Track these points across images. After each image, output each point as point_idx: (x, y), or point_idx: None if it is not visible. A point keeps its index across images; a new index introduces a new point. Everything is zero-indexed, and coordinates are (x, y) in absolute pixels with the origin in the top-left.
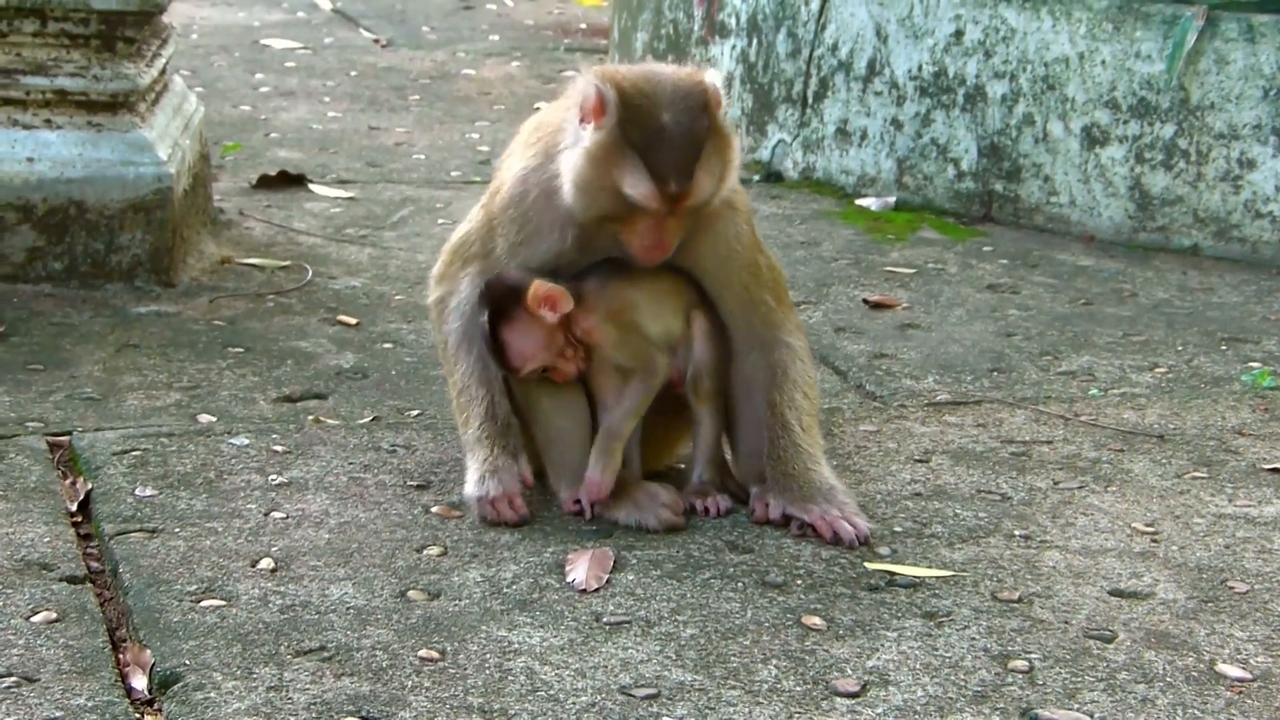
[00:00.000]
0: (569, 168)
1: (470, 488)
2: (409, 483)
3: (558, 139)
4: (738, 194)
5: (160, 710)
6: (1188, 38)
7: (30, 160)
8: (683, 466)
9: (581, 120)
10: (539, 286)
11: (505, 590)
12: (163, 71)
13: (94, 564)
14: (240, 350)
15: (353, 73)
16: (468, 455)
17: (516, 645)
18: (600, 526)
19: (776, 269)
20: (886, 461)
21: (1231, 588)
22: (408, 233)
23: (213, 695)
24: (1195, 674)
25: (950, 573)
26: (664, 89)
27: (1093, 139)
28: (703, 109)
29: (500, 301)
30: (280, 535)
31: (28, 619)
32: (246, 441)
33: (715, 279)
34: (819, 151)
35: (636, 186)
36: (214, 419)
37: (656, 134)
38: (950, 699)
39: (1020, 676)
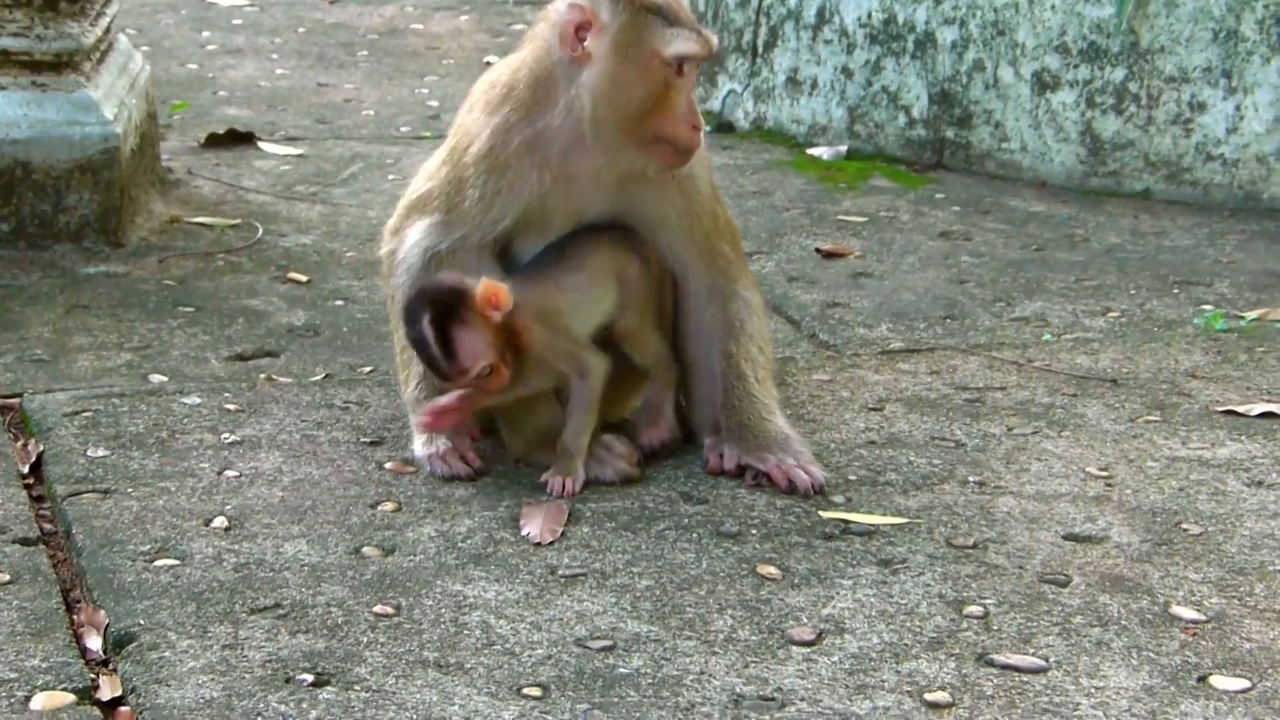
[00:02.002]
0: (595, 83)
1: (419, 447)
2: (362, 439)
3: (538, 93)
4: None
5: (115, 670)
6: None
7: None
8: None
9: (575, 44)
10: (487, 285)
11: (460, 545)
12: (107, 30)
13: (47, 525)
14: (191, 309)
15: (300, 29)
16: (411, 415)
17: (472, 599)
18: None
19: (733, 223)
20: (840, 410)
21: (1185, 530)
22: (358, 189)
23: (168, 654)
24: (1150, 616)
25: (905, 520)
26: None
27: (1043, 84)
28: None
29: (444, 304)
30: (233, 494)
31: None
32: (198, 401)
33: (677, 229)
34: (770, 101)
35: (680, 42)
36: (165, 379)
37: (665, 2)
38: (906, 646)
39: (975, 622)
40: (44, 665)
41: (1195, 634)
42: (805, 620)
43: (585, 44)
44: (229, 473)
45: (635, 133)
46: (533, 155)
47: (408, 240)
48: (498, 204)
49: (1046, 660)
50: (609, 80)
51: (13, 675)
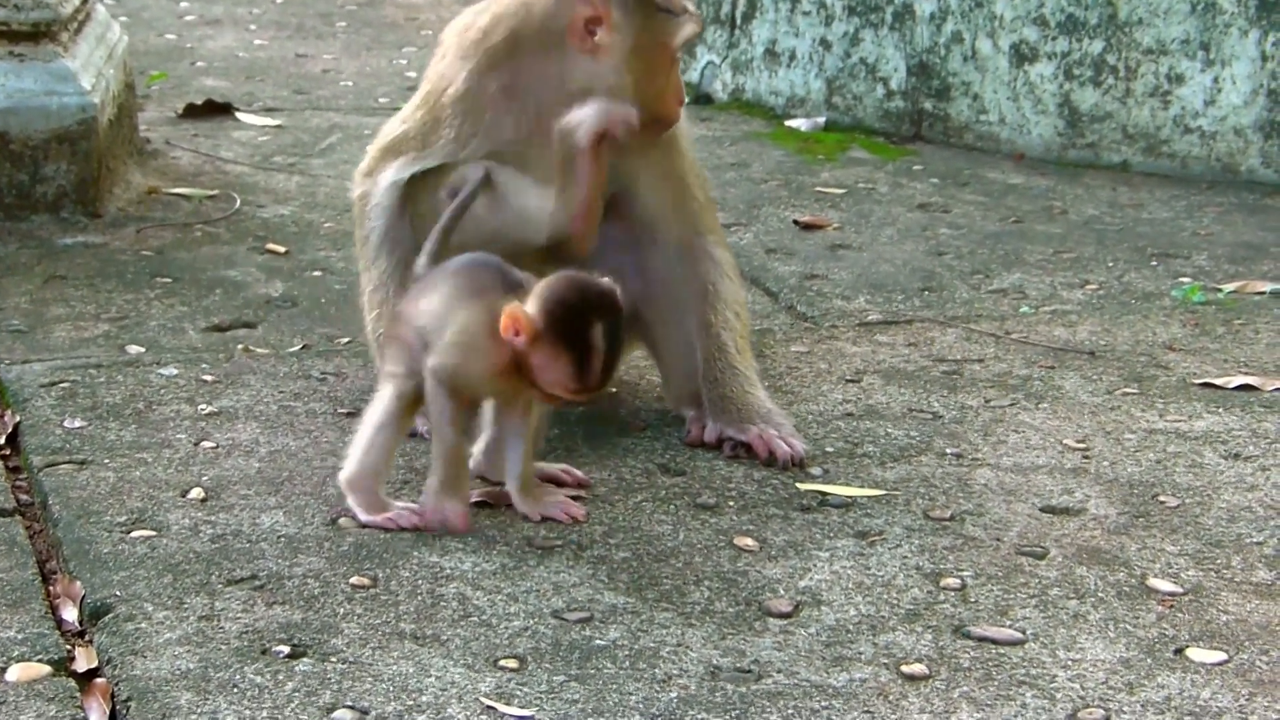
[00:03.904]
0: (604, 76)
1: None
2: (339, 410)
3: (515, 49)
4: None
5: (91, 641)
6: None
7: None
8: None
9: (584, 37)
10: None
11: None
12: (85, 0)
13: (23, 496)
14: (168, 280)
15: (279, 0)
16: (377, 356)
17: (448, 571)
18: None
19: (704, 173)
20: (818, 382)
21: (1162, 502)
22: (336, 160)
23: (144, 626)
24: (1127, 589)
25: (882, 492)
26: None
27: (1021, 56)
28: None
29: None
30: (210, 465)
31: None
32: (175, 371)
33: (654, 171)
34: (748, 73)
35: (685, 29)
36: (143, 349)
37: None
38: (883, 618)
39: (952, 594)
40: (19, 636)
41: (1172, 606)
42: (782, 592)
43: (595, 38)
44: (206, 444)
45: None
46: (510, 102)
47: (381, 183)
48: (473, 143)
49: (1023, 632)
50: (619, 74)
51: None
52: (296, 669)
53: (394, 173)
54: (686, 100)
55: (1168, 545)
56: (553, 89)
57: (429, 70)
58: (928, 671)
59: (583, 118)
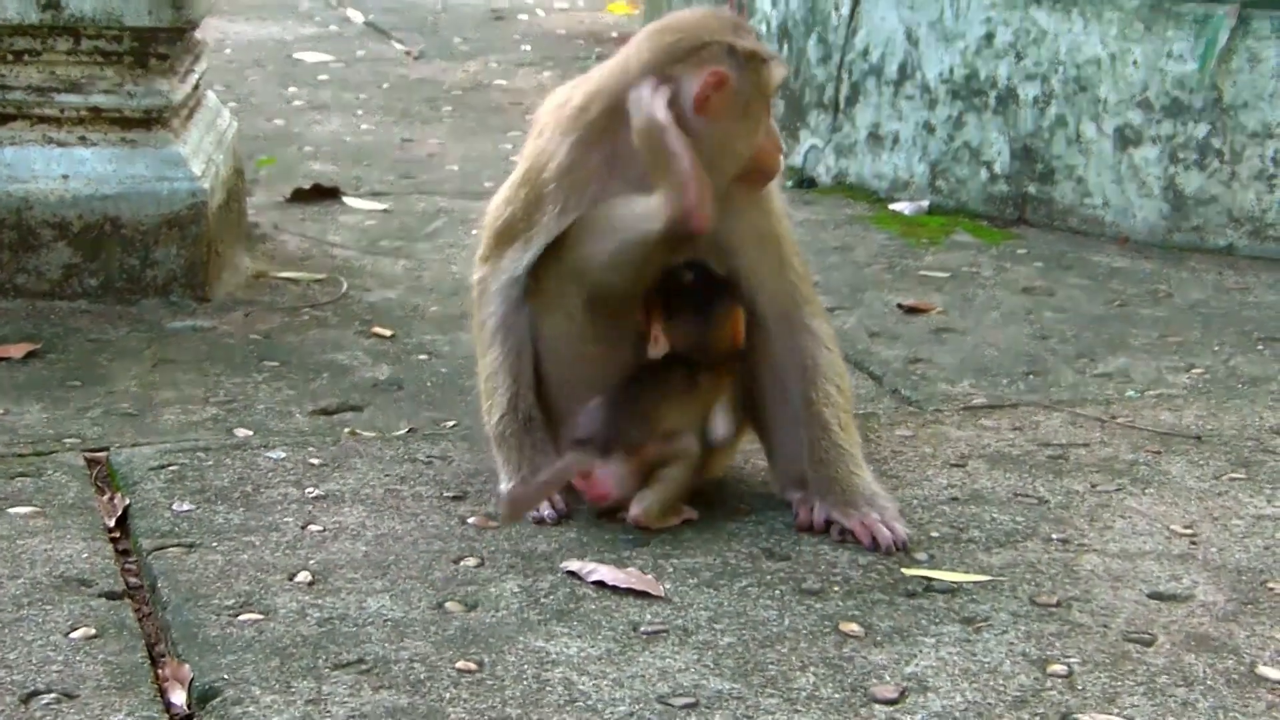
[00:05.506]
0: (717, 136)
1: (504, 485)
2: (445, 494)
3: (614, 119)
4: None
5: None
6: (1220, 36)
7: (65, 177)
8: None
9: (704, 104)
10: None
11: (542, 601)
12: (196, 87)
13: (132, 579)
14: (276, 364)
15: (385, 85)
16: (495, 449)
17: (554, 655)
18: (636, 535)
19: (797, 243)
20: (922, 466)
21: (1271, 589)
22: (442, 244)
23: (251, 709)
24: (1236, 677)
25: (988, 577)
26: (718, 22)
27: (1126, 140)
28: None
29: None
30: (317, 548)
31: (66, 635)
32: (283, 455)
33: (752, 241)
34: (851, 157)
35: (777, 73)
36: (250, 433)
37: (754, 45)
38: (989, 705)
39: (1059, 681)
40: None
41: None
42: (888, 678)
43: (710, 100)
44: (313, 527)
45: (737, 169)
46: (612, 174)
47: (502, 273)
48: (573, 214)
49: None
50: (730, 133)
51: None
52: None
53: (510, 261)
54: (789, 184)
55: (1277, 633)
56: None
57: (526, 148)
58: None
59: (642, 97)
